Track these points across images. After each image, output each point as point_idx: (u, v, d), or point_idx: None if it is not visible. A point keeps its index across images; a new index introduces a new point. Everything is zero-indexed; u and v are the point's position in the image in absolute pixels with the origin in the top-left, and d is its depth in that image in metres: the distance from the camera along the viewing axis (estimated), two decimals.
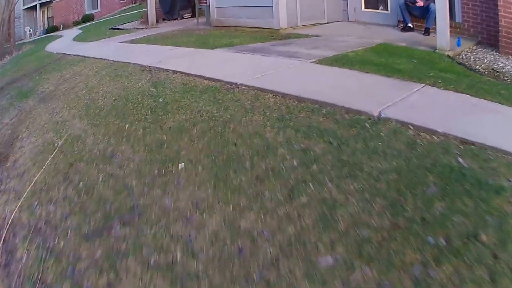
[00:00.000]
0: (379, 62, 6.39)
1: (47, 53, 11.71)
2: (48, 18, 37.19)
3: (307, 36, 9.21)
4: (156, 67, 6.91)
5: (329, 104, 4.55)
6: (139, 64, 7.18)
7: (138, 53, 8.58)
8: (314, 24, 10.96)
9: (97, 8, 34.75)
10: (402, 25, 10.09)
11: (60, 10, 34.95)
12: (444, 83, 5.24)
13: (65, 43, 13.72)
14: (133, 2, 34.26)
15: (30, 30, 35.62)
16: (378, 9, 11.15)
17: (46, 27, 34.96)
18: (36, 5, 36.31)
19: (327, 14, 11.33)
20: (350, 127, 4.09)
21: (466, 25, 9.34)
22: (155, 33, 12.00)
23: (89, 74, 7.39)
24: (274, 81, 5.47)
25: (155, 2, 15.41)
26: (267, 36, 9.42)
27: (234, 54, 7.60)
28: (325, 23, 11.25)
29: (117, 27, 15.81)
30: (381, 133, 3.94)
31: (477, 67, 6.82)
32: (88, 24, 24.42)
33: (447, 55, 7.45)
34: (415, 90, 5.05)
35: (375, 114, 4.28)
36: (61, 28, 29.36)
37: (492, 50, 7.91)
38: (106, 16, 28.73)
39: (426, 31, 9.30)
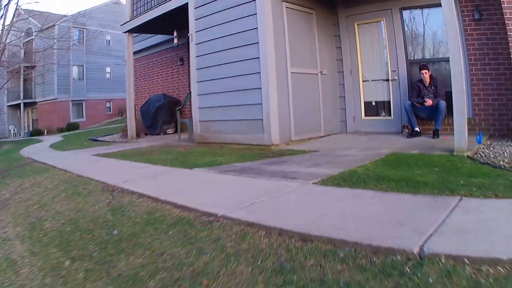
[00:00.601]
0: (397, 177, 5.23)
1: (19, 156, 11.51)
2: (33, 120, 37.78)
3: (303, 152, 8.13)
4: (121, 188, 5.91)
5: (348, 242, 3.25)
6: (102, 182, 6.34)
7: (106, 169, 7.87)
8: (310, 138, 9.98)
9: (82, 117, 35.51)
10: (407, 130, 9.23)
11: (45, 113, 35.41)
12: (480, 191, 4.39)
13: (40, 148, 13.46)
14: (119, 115, 34.37)
15: (14, 130, 36.15)
16: (380, 115, 10.27)
17: (31, 129, 35.68)
18: (20, 104, 36.66)
19: (324, 126, 10.41)
20: (384, 277, 2.76)
21: (477, 119, 8.59)
22: (132, 147, 11.21)
23: (48, 186, 6.67)
24: (267, 212, 4.21)
25: (136, 116, 14.98)
26: (258, 154, 8.35)
27: (217, 175, 6.44)
28: (322, 137, 10.30)
29: (97, 138, 15.72)
30: (430, 280, 2.63)
31: (501, 163, 5.95)
32: (71, 132, 24.80)
33: (467, 156, 6.48)
34: (453, 205, 3.89)
35: (416, 250, 2.98)
36: (45, 133, 30.00)
37: (507, 141, 7.73)
38: (91, 126, 28.63)
39: (436, 134, 8.45)
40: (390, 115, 10.13)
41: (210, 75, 10.55)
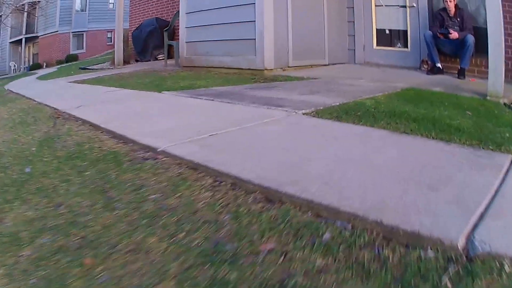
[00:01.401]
0: (418, 115, 3.81)
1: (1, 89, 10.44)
2: (33, 54, 36.51)
3: (300, 79, 6.69)
4: (69, 114, 4.77)
5: (342, 212, 1.89)
6: (55, 109, 5.28)
7: (69, 95, 6.76)
8: (311, 66, 8.46)
9: (82, 48, 34.40)
10: (426, 66, 7.69)
11: (45, 47, 34.18)
12: None
13: (27, 81, 12.47)
14: None
15: (14, 66, 34.93)
16: (395, 46, 8.69)
17: (31, 63, 34.36)
18: (21, 39, 35.55)
19: (329, 53, 8.84)
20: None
21: (510, 64, 6.92)
22: (114, 73, 9.93)
23: (3, 116, 5.71)
24: (227, 150, 2.87)
25: (126, 41, 13.88)
26: (246, 78, 6.94)
27: (185, 99, 5.11)
28: (326, 65, 8.77)
29: (87, 67, 14.69)
30: None
31: None
32: (68, 64, 23.73)
33: (504, 103, 5.10)
34: (506, 167, 2.47)
35: (460, 242, 1.64)
36: (44, 66, 28.65)
37: None
38: (90, 57, 27.39)
39: (461, 73, 6.92)
40: (406, 46, 8.55)
41: None
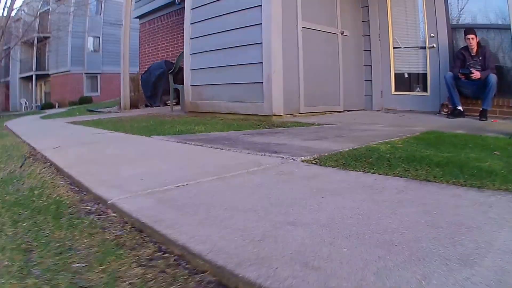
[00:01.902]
0: (441, 159, 3.17)
1: None
2: (45, 93, 36.28)
3: (311, 124, 6.14)
4: (42, 154, 4.34)
5: None
6: (33, 148, 4.95)
7: (56, 134, 6.58)
8: (325, 112, 7.92)
9: (97, 91, 33.83)
10: (447, 110, 7.09)
11: (57, 86, 33.82)
12: None
13: (29, 119, 12.56)
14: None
15: (26, 103, 34.63)
16: (413, 90, 8.15)
17: (43, 101, 34.17)
18: (32, 75, 35.27)
19: (344, 99, 8.32)
20: None
21: None
22: (116, 116, 9.71)
23: None
24: (186, 207, 2.21)
25: (133, 84, 13.90)
26: (251, 125, 6.41)
27: (172, 144, 4.57)
28: (341, 111, 8.19)
29: (94, 109, 14.65)
30: None
31: None
32: (80, 106, 23.63)
33: None
34: None
35: None
36: (56, 106, 28.69)
37: None
38: (105, 100, 27.08)
39: (483, 115, 6.43)
40: (426, 90, 7.99)
41: (204, 30, 8.55)
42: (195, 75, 8.82)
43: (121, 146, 4.70)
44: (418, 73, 8.16)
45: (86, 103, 27.92)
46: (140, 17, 16.19)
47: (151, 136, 5.22)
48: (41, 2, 30.84)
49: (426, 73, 7.94)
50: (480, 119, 6.39)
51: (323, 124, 6.11)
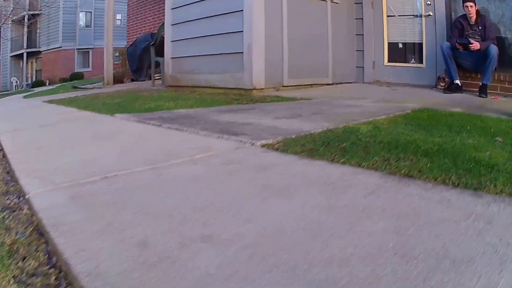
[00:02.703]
0: (431, 146, 2.61)
1: None
2: (36, 70, 35.42)
3: (292, 99, 5.54)
4: None
5: None
6: None
7: (23, 115, 6.19)
8: (311, 85, 7.28)
9: (88, 66, 32.98)
10: (443, 83, 6.48)
11: (48, 63, 32.99)
12: None
13: (10, 99, 12.08)
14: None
15: (16, 82, 33.91)
16: (408, 62, 7.48)
17: (34, 79, 33.43)
18: (23, 53, 34.41)
19: (333, 70, 7.66)
20: None
21: None
22: (95, 92, 9.09)
23: None
24: (97, 205, 1.77)
25: (121, 59, 13.73)
26: (228, 100, 5.81)
27: (130, 124, 4.02)
28: (329, 84, 7.57)
29: (79, 86, 14.11)
30: None
31: None
32: (70, 82, 23.12)
33: None
34: None
35: None
36: (47, 84, 27.99)
37: None
38: (97, 76, 26.65)
39: (483, 91, 5.82)
40: (421, 62, 7.33)
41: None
42: (176, 47, 8.19)
43: (77, 127, 4.16)
44: (413, 43, 7.50)
45: (77, 79, 27.48)
46: None
47: (115, 114, 4.66)
48: None
49: (421, 43, 7.29)
50: (479, 95, 5.80)
51: (305, 99, 5.51)
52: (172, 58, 8.24)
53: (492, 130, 3.33)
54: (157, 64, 9.86)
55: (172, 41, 8.23)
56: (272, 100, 5.57)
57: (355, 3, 8.00)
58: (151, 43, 10.05)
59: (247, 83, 6.44)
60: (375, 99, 5.38)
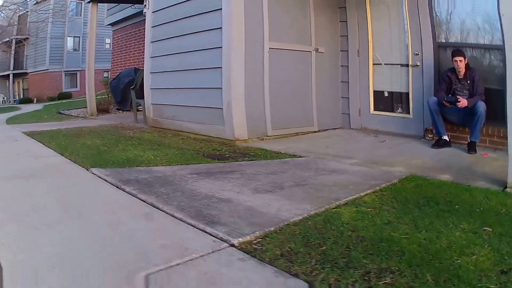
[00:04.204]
0: (415, 247, 2.49)
1: None
2: (23, 89, 36.12)
3: (275, 154, 5.44)
4: None
5: None
6: None
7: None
8: (297, 133, 7.19)
9: (76, 87, 33.80)
10: (431, 135, 6.43)
11: (35, 83, 33.71)
12: None
13: None
14: None
15: (3, 97, 34.46)
16: (395, 111, 7.40)
17: (21, 96, 34.32)
18: (9, 74, 35.10)
19: (318, 117, 7.59)
20: None
21: None
22: (78, 126, 9.09)
23: None
24: None
25: (106, 88, 13.99)
26: (212, 150, 5.88)
27: (104, 188, 3.80)
28: (315, 132, 7.46)
29: (64, 112, 14.50)
30: None
31: None
32: (58, 102, 24.09)
33: None
34: None
35: None
36: (34, 101, 29.29)
37: None
38: (84, 95, 27.09)
39: (472, 148, 5.68)
40: (408, 112, 7.24)
41: (164, 49, 7.92)
42: (155, 94, 8.23)
43: (47, 189, 3.91)
44: (400, 92, 7.41)
45: (65, 98, 28.18)
46: (112, 24, 15.87)
47: (91, 169, 4.52)
48: (20, 5, 30.15)
49: (408, 93, 7.22)
50: (468, 152, 5.68)
51: (289, 156, 5.38)
52: (152, 104, 8.24)
53: (481, 210, 3.21)
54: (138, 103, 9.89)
55: (151, 88, 8.25)
56: (255, 154, 5.46)
57: (340, 51, 7.98)
58: (132, 87, 10.24)
59: (229, 135, 6.38)
60: (360, 158, 5.26)
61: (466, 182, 4.09)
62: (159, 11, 8.09)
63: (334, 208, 3.23)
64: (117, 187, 3.82)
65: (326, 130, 7.68)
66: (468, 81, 5.94)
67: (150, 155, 5.37)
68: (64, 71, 33.64)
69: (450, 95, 5.95)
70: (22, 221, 2.99)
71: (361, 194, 3.61)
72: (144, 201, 3.38)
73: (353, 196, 3.52)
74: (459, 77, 6.02)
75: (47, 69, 32.92)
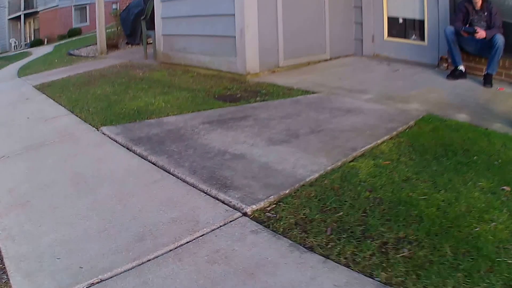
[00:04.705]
0: (435, 211, 2.45)
1: None
2: (34, 30, 35.32)
3: (289, 91, 5.32)
4: None
5: None
6: None
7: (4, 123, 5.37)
8: (308, 63, 6.96)
9: (86, 21, 32.61)
10: (446, 65, 6.21)
11: (46, 22, 32.93)
12: None
13: (3, 77, 11.31)
14: None
15: (15, 42, 33.68)
16: (409, 38, 7.10)
17: (32, 39, 33.31)
18: (20, 15, 34.32)
19: (330, 44, 7.29)
20: None
21: None
22: (87, 70, 8.48)
23: None
24: None
25: (115, 20, 13.15)
26: (223, 89, 5.68)
27: (113, 153, 3.75)
28: (327, 60, 7.23)
29: (74, 53, 13.60)
30: None
31: None
32: (69, 40, 23.04)
33: None
34: None
35: None
36: (45, 42, 28.05)
37: None
38: (94, 29, 26.33)
39: (488, 80, 5.50)
40: (423, 39, 6.89)
41: None
42: (166, 24, 7.82)
43: (48, 161, 3.76)
44: (414, 20, 7.02)
45: (74, 35, 27.15)
46: None
47: (102, 128, 4.37)
48: None
49: (423, 20, 6.83)
50: (484, 85, 5.50)
51: (301, 92, 5.24)
52: (163, 35, 7.93)
53: (499, 162, 3.14)
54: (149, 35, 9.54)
55: (162, 18, 7.87)
56: (267, 92, 5.34)
57: None
58: (142, 17, 9.74)
59: (241, 68, 6.19)
60: (376, 93, 5.12)
61: (484, 124, 3.99)
62: None
63: (351, 162, 3.16)
64: (127, 148, 3.73)
65: (338, 57, 7.43)
66: (485, 13, 5.65)
67: (161, 101, 5.23)
68: (73, 5, 32.54)
69: (468, 26, 5.67)
70: (28, 204, 2.90)
71: (378, 141, 3.52)
72: (154, 164, 3.31)
73: (370, 145, 3.44)
74: (476, 8, 5.72)
75: (57, 5, 32.03)
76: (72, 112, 5.24)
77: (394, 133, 3.73)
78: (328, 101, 4.88)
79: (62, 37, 27.35)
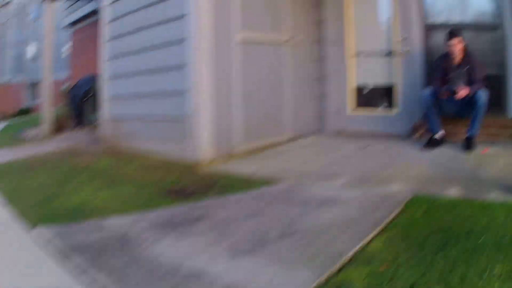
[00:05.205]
0: None
1: None
2: None
3: (248, 184, 4.57)
4: None
5: None
6: None
7: None
8: (269, 145, 6.31)
9: (39, 98, 31.77)
10: (420, 132, 5.77)
11: None
12: None
13: None
14: None
15: None
16: (378, 106, 6.71)
17: None
18: None
19: (291, 124, 6.77)
20: None
21: None
22: (26, 155, 7.63)
23: None
24: None
25: (65, 98, 12.47)
26: (174, 180, 4.96)
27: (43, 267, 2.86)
28: (290, 140, 6.70)
29: (20, 134, 12.52)
30: None
31: None
32: (18, 119, 21.36)
33: None
34: None
35: None
36: None
37: None
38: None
39: (470, 144, 5.05)
40: (394, 107, 6.53)
41: (123, 48, 6.90)
42: (111, 105, 7.29)
43: None
44: (384, 86, 6.67)
45: (25, 114, 26.67)
46: (72, 24, 14.44)
47: (35, 229, 3.55)
48: None
49: (391, 87, 6.51)
50: (466, 149, 5.03)
51: (264, 182, 4.53)
52: (108, 118, 7.39)
53: (508, 238, 2.71)
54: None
55: (106, 98, 7.43)
56: (224, 184, 4.62)
57: (315, 42, 7.20)
58: (84, 99, 9.80)
59: (191, 154, 5.50)
60: (349, 176, 4.52)
61: (479, 196, 3.58)
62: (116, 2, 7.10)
63: (339, 271, 2.45)
64: (63, 256, 2.93)
65: (302, 136, 6.88)
66: (465, 68, 5.25)
67: (104, 196, 4.50)
68: (26, 82, 32.21)
69: (448, 86, 5.26)
70: None
71: (366, 240, 2.86)
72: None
73: (358, 245, 2.77)
74: (454, 63, 5.34)
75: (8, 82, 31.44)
76: (9, 203, 4.50)
77: (382, 225, 3.09)
78: (297, 191, 4.22)
79: (14, 115, 27.09)
